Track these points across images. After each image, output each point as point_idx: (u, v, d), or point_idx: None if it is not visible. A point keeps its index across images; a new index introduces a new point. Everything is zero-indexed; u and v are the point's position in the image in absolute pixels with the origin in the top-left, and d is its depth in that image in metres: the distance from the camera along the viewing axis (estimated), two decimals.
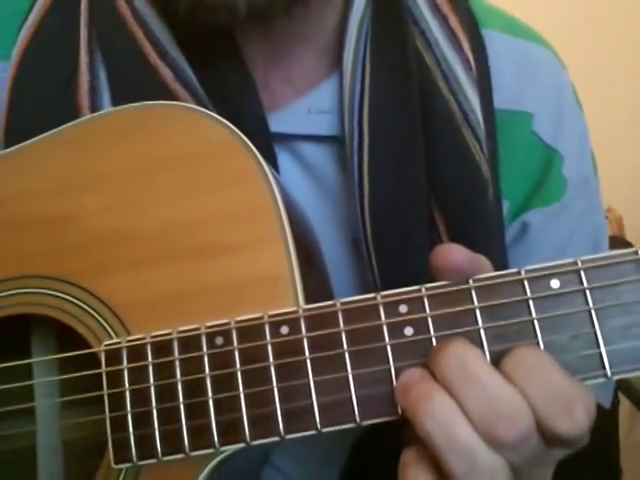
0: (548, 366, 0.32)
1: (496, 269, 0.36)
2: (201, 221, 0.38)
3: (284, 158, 0.48)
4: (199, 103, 0.45)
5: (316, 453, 0.49)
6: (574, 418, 0.31)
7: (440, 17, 0.50)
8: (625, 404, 1.71)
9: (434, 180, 0.47)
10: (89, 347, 0.38)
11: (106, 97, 0.46)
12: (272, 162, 0.46)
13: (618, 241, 2.30)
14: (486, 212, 0.49)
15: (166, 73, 0.45)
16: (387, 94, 0.47)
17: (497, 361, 0.33)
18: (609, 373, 0.33)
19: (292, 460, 0.49)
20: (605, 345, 0.33)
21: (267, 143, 0.46)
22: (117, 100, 0.46)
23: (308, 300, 0.37)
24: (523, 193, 0.52)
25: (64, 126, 0.42)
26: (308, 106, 0.48)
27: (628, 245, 2.26)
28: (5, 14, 0.49)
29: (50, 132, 0.42)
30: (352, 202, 0.47)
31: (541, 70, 0.54)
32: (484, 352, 0.34)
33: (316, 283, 0.42)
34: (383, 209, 0.46)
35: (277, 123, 0.47)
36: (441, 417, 0.32)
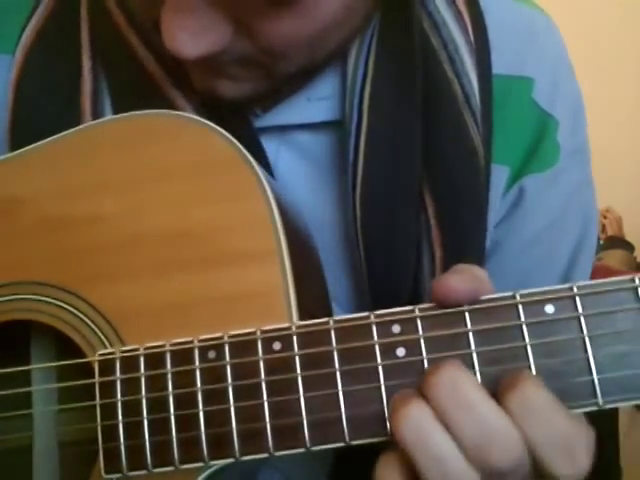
0: (552, 408, 0.32)
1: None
2: (198, 234, 0.38)
3: (284, 149, 0.48)
4: (195, 109, 0.45)
5: (315, 453, 0.49)
6: (576, 461, 0.31)
7: None
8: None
9: (430, 162, 0.47)
10: (86, 355, 0.38)
11: (107, 102, 0.46)
12: (260, 155, 0.46)
13: (617, 241, 2.28)
14: (477, 197, 0.48)
15: (163, 80, 0.45)
16: (389, 78, 0.47)
17: (490, 385, 0.33)
18: (600, 401, 0.33)
19: (291, 460, 0.49)
20: (597, 373, 0.33)
21: (252, 138, 0.46)
22: (117, 105, 0.46)
23: (302, 310, 0.37)
24: (520, 158, 0.51)
25: (68, 131, 0.42)
26: (307, 95, 0.48)
27: (628, 244, 2.24)
28: (9, 10, 0.49)
29: (54, 137, 0.42)
30: (347, 185, 0.47)
31: (540, 35, 0.53)
32: (476, 375, 0.34)
33: (312, 293, 0.42)
34: (373, 191, 0.46)
35: (278, 116, 0.48)
36: (431, 444, 0.32)
